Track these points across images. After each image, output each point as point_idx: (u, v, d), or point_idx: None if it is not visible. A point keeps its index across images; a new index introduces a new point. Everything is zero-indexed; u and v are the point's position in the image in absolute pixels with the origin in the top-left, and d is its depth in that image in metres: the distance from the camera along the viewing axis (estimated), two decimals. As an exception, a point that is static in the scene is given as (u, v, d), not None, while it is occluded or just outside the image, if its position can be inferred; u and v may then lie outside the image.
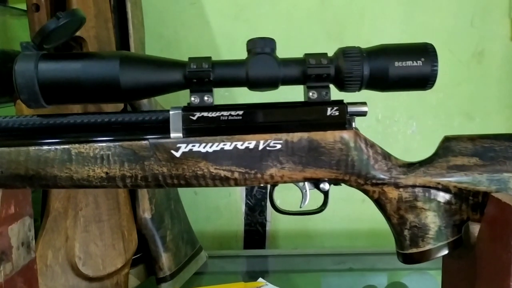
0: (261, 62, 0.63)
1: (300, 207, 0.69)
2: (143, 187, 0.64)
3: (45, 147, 0.62)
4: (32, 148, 0.62)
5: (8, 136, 0.63)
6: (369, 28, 1.46)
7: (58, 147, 0.62)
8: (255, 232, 1.58)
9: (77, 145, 0.62)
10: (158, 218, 1.07)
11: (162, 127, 0.64)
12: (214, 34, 1.48)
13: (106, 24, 1.12)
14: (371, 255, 1.27)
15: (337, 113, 0.64)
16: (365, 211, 1.48)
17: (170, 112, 0.64)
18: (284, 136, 0.64)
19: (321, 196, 0.69)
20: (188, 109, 0.64)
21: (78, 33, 1.07)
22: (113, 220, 0.98)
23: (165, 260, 1.06)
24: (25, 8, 1.07)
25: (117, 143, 0.62)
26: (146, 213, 1.04)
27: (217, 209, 1.56)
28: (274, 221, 1.58)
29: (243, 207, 1.57)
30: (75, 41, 1.08)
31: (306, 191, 0.67)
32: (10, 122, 0.64)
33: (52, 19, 0.60)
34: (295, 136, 0.64)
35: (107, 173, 0.63)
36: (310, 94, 0.64)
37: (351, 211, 1.55)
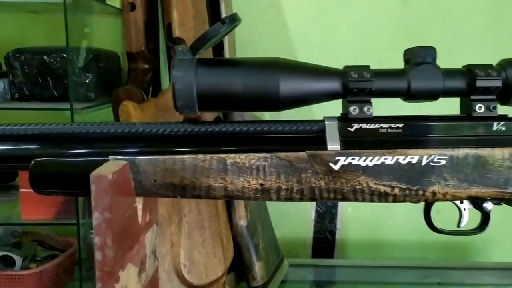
0: (424, 72, 0.59)
1: (458, 227, 0.65)
2: (296, 200, 0.61)
3: (200, 156, 0.59)
4: (187, 156, 0.59)
5: (159, 143, 0.61)
6: (451, 33, 1.42)
7: (213, 156, 0.59)
8: (324, 240, 1.55)
9: (232, 155, 0.59)
10: (252, 225, 1.04)
11: (317, 138, 0.61)
12: (291, 36, 1.44)
13: (203, 25, 1.10)
14: (459, 269, 1.23)
15: (503, 129, 0.60)
16: (439, 222, 1.44)
17: (326, 123, 0.61)
18: (449, 151, 0.60)
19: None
20: (345, 119, 0.61)
21: (178, 34, 1.05)
22: (213, 227, 0.95)
23: (258, 269, 1.03)
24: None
25: (274, 154, 0.59)
26: (242, 221, 1.01)
27: (286, 215, 1.52)
28: (344, 230, 1.54)
29: (313, 214, 1.53)
30: (173, 42, 1.06)
31: (465, 209, 0.63)
32: (160, 129, 0.61)
33: (216, 24, 0.57)
34: (461, 152, 0.60)
35: (262, 184, 0.60)
36: (477, 107, 0.60)
37: (424, 222, 1.50)
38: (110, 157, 0.60)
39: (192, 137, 0.61)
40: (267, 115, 1.03)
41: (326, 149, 0.60)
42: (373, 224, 1.53)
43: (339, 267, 1.48)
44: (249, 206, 1.03)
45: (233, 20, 0.58)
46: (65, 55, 0.94)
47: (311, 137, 0.61)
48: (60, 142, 0.61)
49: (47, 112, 0.93)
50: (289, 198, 0.61)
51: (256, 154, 0.59)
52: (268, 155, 0.59)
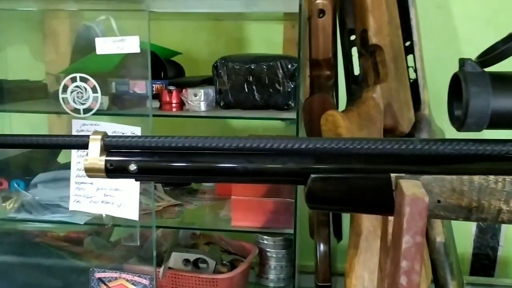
0: None
1: None
2: None
3: (492, 178, 0.55)
4: (477, 177, 0.55)
5: (437, 161, 0.57)
6: None
7: (506, 178, 0.55)
8: (484, 257, 1.45)
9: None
10: (448, 242, 0.98)
11: None
12: (460, 39, 1.37)
13: (397, 31, 1.06)
14: None
15: None
16: None
17: None
18: None
19: None
20: None
21: (375, 41, 1.02)
22: (416, 243, 0.91)
23: (453, 288, 0.98)
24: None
25: None
26: (439, 237, 0.96)
27: (444, 228, 1.45)
28: (507, 246, 1.44)
29: (474, 229, 1.44)
30: (366, 49, 1.02)
31: None
32: (445, 147, 0.57)
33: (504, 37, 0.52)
34: None
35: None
36: None
37: None
38: (392, 174, 0.57)
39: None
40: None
41: None
42: (541, 242, 1.41)
43: (499, 287, 1.39)
44: (445, 222, 0.98)
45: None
46: (271, 63, 0.94)
47: None
48: (335, 157, 0.59)
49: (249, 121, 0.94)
50: None
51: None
52: None
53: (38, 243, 1.13)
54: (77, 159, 0.91)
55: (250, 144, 0.54)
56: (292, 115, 0.94)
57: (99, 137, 0.53)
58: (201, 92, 0.95)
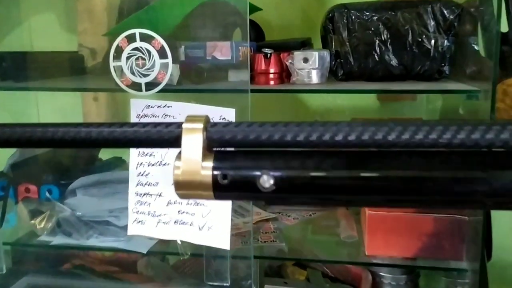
0: None
1: None
2: None
3: None
4: None
5: None
6: None
7: None
8: None
9: None
10: None
11: None
12: None
13: None
14: None
15: None
16: None
17: None
18: None
19: None
20: None
21: None
22: None
23: None
24: None
25: None
26: None
27: None
28: None
29: None
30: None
31: None
32: None
33: None
34: None
35: None
36: None
37: None
38: None
39: None
40: None
41: None
42: None
43: None
44: None
45: None
46: (419, 9, 0.62)
47: None
48: None
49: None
50: None
51: None
52: None
53: (76, 268, 0.84)
54: (139, 158, 0.61)
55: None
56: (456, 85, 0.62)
57: (199, 125, 0.30)
58: (314, 55, 0.64)
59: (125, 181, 0.83)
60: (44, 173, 0.82)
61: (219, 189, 0.31)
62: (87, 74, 0.91)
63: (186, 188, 0.31)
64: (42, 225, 0.71)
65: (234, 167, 0.31)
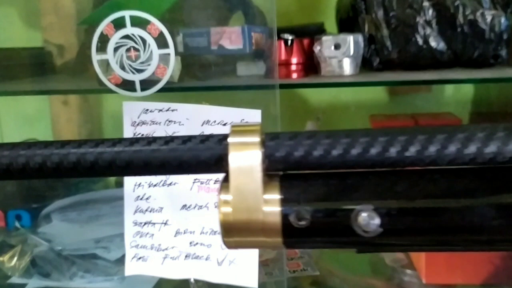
0: None
1: None
2: None
3: None
4: None
5: None
6: None
7: None
8: None
9: None
10: None
11: None
12: None
13: None
14: None
15: None
16: None
17: None
18: None
19: None
20: None
21: None
22: None
23: None
24: None
25: None
26: None
27: None
28: None
29: None
30: None
31: None
32: None
33: None
34: None
35: None
36: None
37: None
38: None
39: None
40: None
41: None
42: None
43: None
44: None
45: None
46: None
47: None
48: None
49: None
50: None
51: None
52: None
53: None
54: (136, 178, 0.47)
55: None
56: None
57: (255, 139, 0.20)
58: (348, 40, 0.52)
59: (111, 199, 0.70)
60: (11, 195, 0.67)
61: (292, 234, 0.21)
62: (56, 73, 0.76)
63: (240, 233, 0.21)
64: (13, 263, 0.56)
65: (313, 199, 0.21)
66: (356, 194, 0.22)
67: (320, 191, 0.23)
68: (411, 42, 0.55)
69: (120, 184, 0.80)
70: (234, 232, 0.22)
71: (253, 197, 0.20)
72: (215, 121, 0.45)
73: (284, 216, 0.21)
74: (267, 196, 0.21)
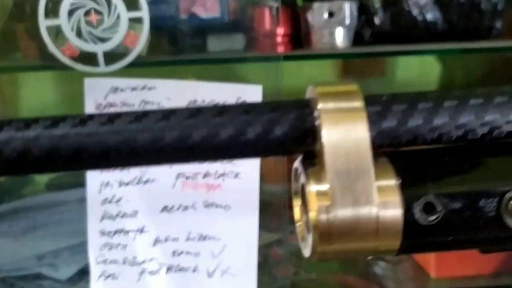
0: None
1: None
2: None
3: None
4: None
5: None
6: None
7: None
8: None
9: None
10: None
11: None
12: None
13: None
14: None
15: None
16: None
17: None
18: None
19: None
20: None
21: None
22: None
23: None
24: None
25: None
26: None
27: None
28: None
29: None
30: None
31: None
32: None
33: None
34: None
35: None
36: None
37: None
38: None
39: None
40: None
41: None
42: None
43: None
44: None
45: None
46: None
47: None
48: None
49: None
50: None
51: None
52: None
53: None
54: (103, 176, 0.37)
55: None
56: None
57: (358, 103, 0.15)
58: (344, 6, 0.45)
59: (47, 206, 0.59)
60: None
61: (416, 234, 0.15)
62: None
63: (342, 238, 0.15)
64: None
65: (445, 184, 0.16)
66: (503, 173, 0.16)
67: (451, 172, 0.17)
68: (405, 12, 0.50)
69: (52, 187, 0.68)
70: (335, 237, 0.15)
71: (361, 184, 0.15)
72: (203, 101, 0.36)
73: (407, 209, 0.15)
74: (380, 183, 0.14)
